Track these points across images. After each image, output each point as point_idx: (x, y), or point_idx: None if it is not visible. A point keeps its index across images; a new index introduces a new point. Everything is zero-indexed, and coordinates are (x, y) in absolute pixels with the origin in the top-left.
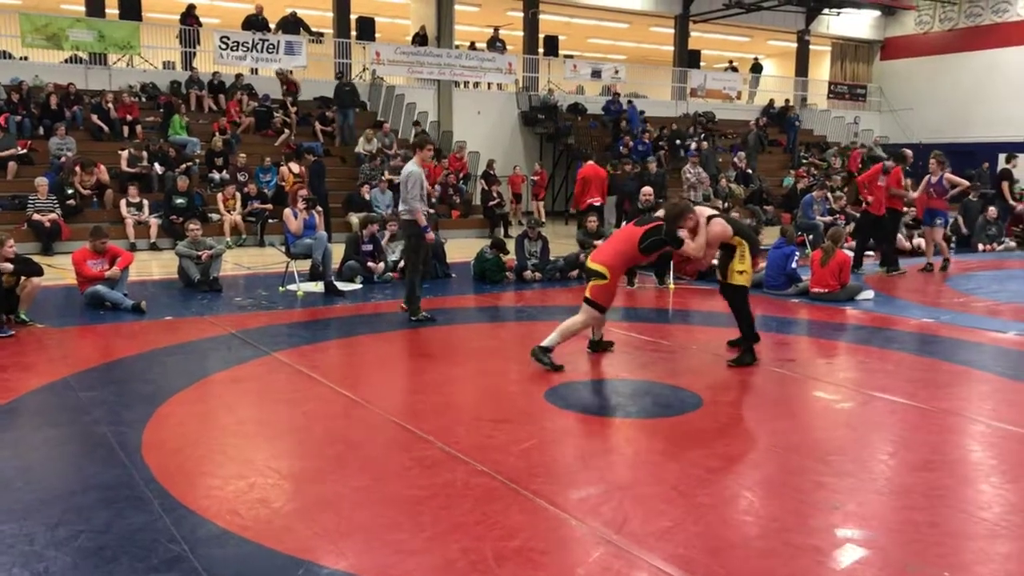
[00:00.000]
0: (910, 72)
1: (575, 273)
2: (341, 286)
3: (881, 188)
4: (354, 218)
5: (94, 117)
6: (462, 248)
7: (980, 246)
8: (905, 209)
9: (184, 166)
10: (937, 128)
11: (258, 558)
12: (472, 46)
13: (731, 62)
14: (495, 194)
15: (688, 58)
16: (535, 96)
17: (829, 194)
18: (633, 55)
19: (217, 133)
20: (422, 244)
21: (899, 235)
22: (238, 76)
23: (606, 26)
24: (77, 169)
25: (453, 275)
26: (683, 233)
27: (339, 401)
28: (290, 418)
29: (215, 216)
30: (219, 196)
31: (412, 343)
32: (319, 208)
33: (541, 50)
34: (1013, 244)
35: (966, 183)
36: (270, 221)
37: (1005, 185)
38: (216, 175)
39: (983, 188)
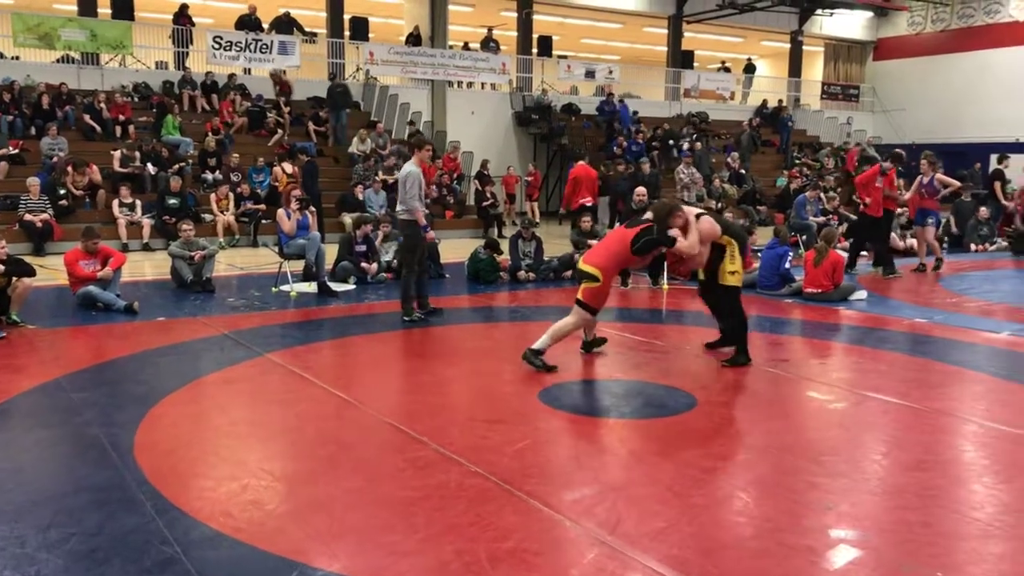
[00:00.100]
0: (903, 73)
1: (569, 273)
2: (334, 286)
3: (879, 190)
4: (347, 218)
5: (86, 117)
6: (456, 248)
7: (972, 246)
8: (898, 210)
9: (177, 166)
10: (929, 128)
11: (251, 560)
12: (466, 46)
13: (724, 63)
14: (489, 194)
15: (681, 59)
16: (529, 96)
17: (822, 194)
18: (627, 55)
19: (210, 133)
20: (419, 244)
21: (892, 235)
22: (231, 76)
23: (600, 26)
24: (69, 169)
25: (447, 275)
26: (674, 232)
27: (332, 402)
28: (283, 419)
29: (208, 216)
30: (212, 196)
31: (406, 344)
32: (312, 208)
33: (535, 50)
34: (1005, 244)
35: (958, 184)
36: (263, 221)
37: (997, 185)
38: (209, 175)
39: (975, 188)
